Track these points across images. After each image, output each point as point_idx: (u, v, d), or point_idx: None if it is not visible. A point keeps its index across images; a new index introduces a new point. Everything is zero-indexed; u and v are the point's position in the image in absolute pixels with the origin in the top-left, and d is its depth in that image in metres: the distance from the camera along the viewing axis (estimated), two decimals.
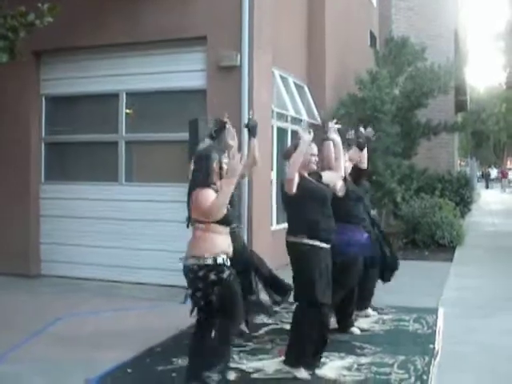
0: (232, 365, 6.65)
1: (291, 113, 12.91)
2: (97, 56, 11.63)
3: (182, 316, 6.88)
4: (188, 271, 5.83)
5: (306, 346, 6.34)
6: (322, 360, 6.72)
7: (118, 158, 11.58)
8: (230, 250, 5.98)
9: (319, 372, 6.47)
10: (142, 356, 6.98)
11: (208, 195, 5.78)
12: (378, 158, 14.49)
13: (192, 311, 5.97)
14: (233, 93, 10.39)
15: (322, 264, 6.34)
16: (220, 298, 5.79)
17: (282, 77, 12.76)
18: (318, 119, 14.34)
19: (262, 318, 8.62)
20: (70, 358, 6.93)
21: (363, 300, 8.64)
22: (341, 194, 7.52)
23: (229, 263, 5.88)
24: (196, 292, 5.83)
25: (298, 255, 6.43)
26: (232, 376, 6.31)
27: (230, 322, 5.94)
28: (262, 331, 8.08)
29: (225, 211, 5.81)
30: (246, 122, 7.90)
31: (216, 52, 10.47)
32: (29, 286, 11.14)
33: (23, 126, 11.91)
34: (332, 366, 6.66)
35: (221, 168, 5.97)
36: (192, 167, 6.26)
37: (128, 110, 11.61)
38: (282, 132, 12.54)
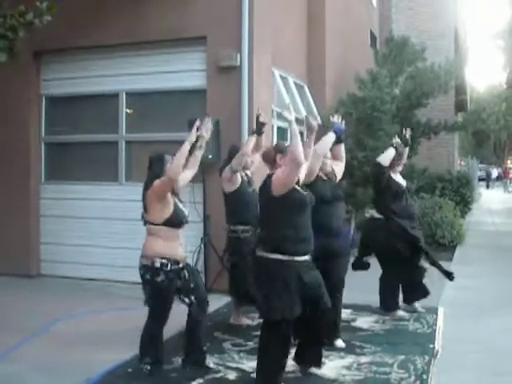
0: (232, 364, 6.72)
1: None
2: (97, 56, 11.64)
3: (181, 316, 6.90)
4: (139, 268, 6.40)
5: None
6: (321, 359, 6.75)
7: (118, 157, 11.59)
8: (178, 254, 6.37)
9: (318, 371, 6.47)
10: None
11: (156, 181, 6.24)
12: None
13: (145, 303, 6.48)
14: (233, 93, 10.40)
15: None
16: (150, 298, 6.35)
17: (282, 76, 12.76)
18: (318, 119, 14.32)
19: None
20: (70, 358, 6.95)
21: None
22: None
23: (170, 268, 6.26)
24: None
25: None
26: (232, 375, 6.33)
27: (150, 321, 6.44)
28: None
29: (172, 208, 6.30)
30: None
31: (216, 52, 10.47)
32: (29, 286, 11.15)
33: (23, 126, 11.92)
34: (332, 365, 6.67)
35: None
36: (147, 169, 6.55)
37: (128, 110, 11.61)
38: (282, 132, 12.53)
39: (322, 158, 7.25)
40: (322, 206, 7.02)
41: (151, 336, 6.46)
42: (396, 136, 9.44)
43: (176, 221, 6.36)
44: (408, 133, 9.45)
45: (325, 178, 7.47)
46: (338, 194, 7.60)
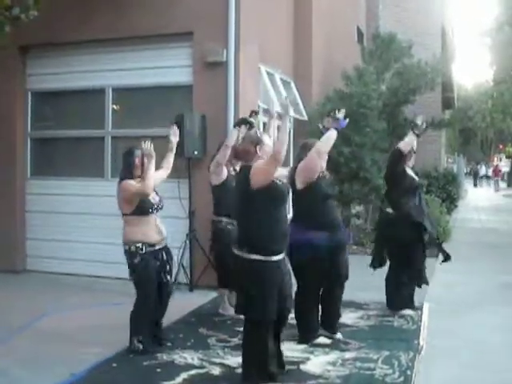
0: (216, 360, 6.72)
1: (277, 108, 12.88)
2: (83, 51, 11.58)
3: (166, 311, 6.94)
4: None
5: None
6: (306, 356, 6.77)
7: (104, 153, 11.56)
8: (151, 238, 7.07)
9: (303, 367, 6.49)
10: (126, 351, 6.98)
11: (129, 185, 6.95)
12: (364, 154, 14.51)
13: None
14: (219, 88, 10.38)
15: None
16: (133, 278, 7.09)
17: (268, 72, 12.74)
18: (304, 114, 14.34)
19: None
20: (56, 353, 6.94)
21: None
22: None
23: (144, 250, 7.00)
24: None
25: None
26: (216, 371, 6.35)
27: (138, 302, 7.08)
28: None
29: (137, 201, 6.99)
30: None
31: (202, 47, 10.45)
32: (14, 282, 11.12)
33: (8, 121, 11.85)
34: (316, 361, 6.68)
35: (143, 163, 7.02)
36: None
37: (114, 106, 11.59)
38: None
39: (325, 156, 7.26)
40: (326, 201, 7.22)
41: (140, 315, 7.03)
42: (418, 119, 8.89)
43: (144, 210, 7.04)
44: (420, 119, 8.88)
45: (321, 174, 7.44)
46: (334, 189, 7.66)
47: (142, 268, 7.00)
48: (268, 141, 6.16)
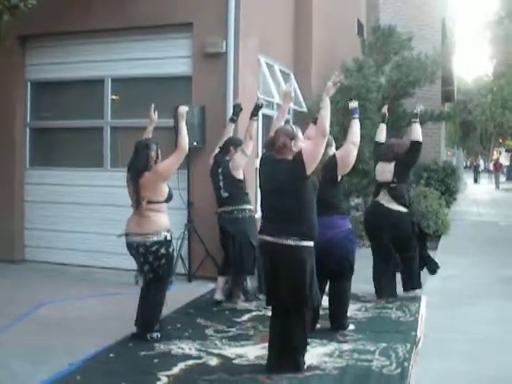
0: (214, 350, 6.73)
1: (277, 100, 12.88)
2: (82, 41, 11.57)
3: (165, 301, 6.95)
4: (138, 247, 6.99)
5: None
6: None
7: (103, 143, 11.55)
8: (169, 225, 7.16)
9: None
10: (124, 341, 7.01)
11: (166, 164, 7.03)
12: (363, 147, 14.47)
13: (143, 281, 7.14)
14: (218, 79, 10.38)
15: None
16: (162, 270, 7.04)
17: (267, 64, 12.73)
18: (304, 106, 14.32)
19: (244, 305, 8.70)
20: (53, 343, 6.94)
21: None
22: None
23: (171, 237, 7.12)
24: (145, 265, 7.01)
25: None
26: (214, 361, 6.36)
27: (160, 292, 7.15)
28: (244, 317, 8.13)
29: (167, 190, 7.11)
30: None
31: (202, 38, 10.44)
32: (12, 272, 11.13)
33: (8, 112, 11.84)
34: (313, 352, 6.66)
35: (157, 157, 7.11)
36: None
37: (113, 96, 11.57)
38: (267, 119, 12.51)
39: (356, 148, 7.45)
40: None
41: (161, 305, 7.20)
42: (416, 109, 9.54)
43: (171, 196, 7.23)
44: (419, 108, 9.57)
45: None
46: None
47: (173, 256, 7.29)
48: (301, 136, 6.21)
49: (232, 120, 9.22)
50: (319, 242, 6.18)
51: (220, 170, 8.76)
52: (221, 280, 8.93)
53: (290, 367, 6.03)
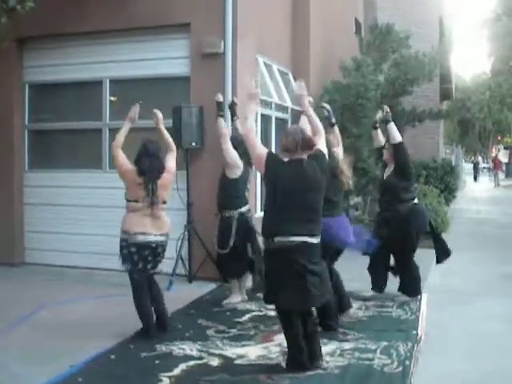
0: (215, 351, 6.73)
1: (275, 100, 12.88)
2: (80, 43, 11.55)
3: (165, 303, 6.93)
4: (157, 247, 7.18)
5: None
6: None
7: (102, 145, 11.52)
8: None
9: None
10: (125, 342, 7.00)
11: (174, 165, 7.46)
12: (362, 145, 14.50)
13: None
14: (216, 80, 10.36)
15: None
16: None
17: (266, 64, 12.71)
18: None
19: (245, 305, 8.70)
20: (54, 345, 6.94)
21: None
22: None
23: None
24: (158, 263, 7.38)
25: None
26: (215, 362, 6.36)
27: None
28: (245, 317, 8.13)
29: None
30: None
31: (199, 39, 10.43)
32: (13, 274, 11.12)
33: (6, 114, 11.82)
34: None
35: None
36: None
37: (112, 98, 11.56)
38: (266, 119, 12.52)
39: None
40: None
41: None
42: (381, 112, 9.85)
43: None
44: (379, 114, 9.94)
45: None
46: None
47: None
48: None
49: (221, 116, 9.22)
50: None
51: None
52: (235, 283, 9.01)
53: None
